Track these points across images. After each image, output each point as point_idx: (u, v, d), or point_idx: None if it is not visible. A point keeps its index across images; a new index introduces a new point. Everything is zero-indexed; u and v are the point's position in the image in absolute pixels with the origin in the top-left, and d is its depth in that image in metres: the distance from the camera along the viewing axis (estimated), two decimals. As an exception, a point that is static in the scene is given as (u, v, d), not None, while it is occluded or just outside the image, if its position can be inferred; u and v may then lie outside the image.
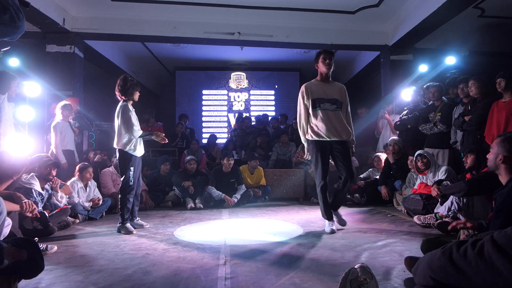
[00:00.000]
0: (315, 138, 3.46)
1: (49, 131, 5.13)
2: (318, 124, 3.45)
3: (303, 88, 3.56)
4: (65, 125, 5.10)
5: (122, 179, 3.70)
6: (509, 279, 1.12)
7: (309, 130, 3.50)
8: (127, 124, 3.62)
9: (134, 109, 3.77)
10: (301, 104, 3.55)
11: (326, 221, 3.54)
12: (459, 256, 1.29)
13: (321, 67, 3.52)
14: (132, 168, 3.69)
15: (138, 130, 3.71)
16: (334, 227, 3.47)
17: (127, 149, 3.65)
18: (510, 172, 2.13)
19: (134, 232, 3.62)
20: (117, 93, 3.73)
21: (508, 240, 1.17)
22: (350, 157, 3.53)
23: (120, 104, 3.72)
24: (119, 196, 3.75)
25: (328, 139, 3.43)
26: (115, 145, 3.71)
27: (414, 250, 2.71)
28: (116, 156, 4.02)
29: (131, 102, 3.76)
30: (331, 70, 3.52)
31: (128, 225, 3.65)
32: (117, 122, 3.67)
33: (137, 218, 3.90)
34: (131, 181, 3.67)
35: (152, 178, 5.83)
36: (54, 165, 3.83)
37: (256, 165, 5.95)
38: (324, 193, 3.48)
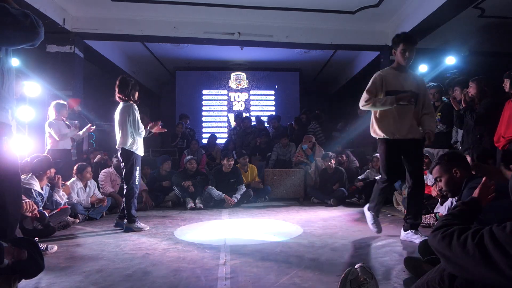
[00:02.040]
0: (387, 136, 3.07)
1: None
2: (390, 121, 3.05)
3: (378, 76, 3.10)
4: (60, 124, 5.04)
5: (127, 179, 3.67)
6: (509, 275, 1.12)
7: (381, 126, 3.10)
8: (134, 124, 3.63)
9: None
10: (371, 93, 3.08)
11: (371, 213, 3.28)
12: (459, 244, 1.28)
13: (399, 57, 3.06)
14: (138, 168, 3.71)
15: (143, 130, 3.74)
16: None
17: (134, 149, 3.67)
18: (465, 178, 2.11)
19: (147, 228, 3.70)
20: (117, 94, 3.70)
21: (506, 237, 1.17)
22: (420, 160, 3.23)
23: (124, 104, 3.69)
24: (125, 197, 3.71)
25: (399, 138, 3.04)
26: (119, 146, 3.69)
27: (413, 250, 2.71)
28: (116, 157, 4.01)
29: (131, 101, 3.75)
30: (410, 62, 3.08)
31: (139, 223, 3.71)
32: (121, 122, 3.65)
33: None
34: (137, 180, 3.70)
35: (152, 178, 5.83)
36: (51, 165, 3.83)
37: (246, 162, 5.98)
38: (383, 191, 3.22)
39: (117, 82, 3.70)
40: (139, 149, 3.75)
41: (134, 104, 3.72)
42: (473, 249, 1.23)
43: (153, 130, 3.90)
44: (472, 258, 1.22)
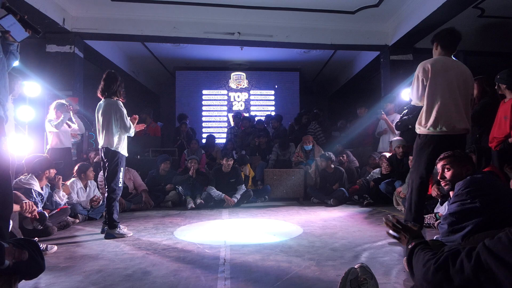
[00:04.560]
0: None
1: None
2: None
3: None
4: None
5: (110, 181, 3.45)
6: None
7: None
8: (122, 123, 3.44)
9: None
10: None
11: None
12: (456, 271, 1.23)
13: None
14: (122, 169, 3.51)
15: (132, 128, 3.54)
16: None
17: (119, 149, 3.46)
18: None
19: (130, 234, 3.48)
20: (102, 89, 3.46)
21: (504, 247, 1.13)
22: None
23: (108, 101, 3.46)
24: (106, 200, 3.47)
25: None
26: (104, 146, 3.46)
27: (414, 250, 2.71)
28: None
29: (115, 98, 3.51)
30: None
31: (122, 228, 3.48)
32: (107, 121, 3.42)
33: None
34: (120, 182, 3.48)
35: (151, 178, 5.83)
36: (51, 166, 3.82)
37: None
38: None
39: (104, 76, 3.46)
40: (124, 149, 3.55)
41: (119, 101, 3.49)
42: (472, 272, 1.17)
43: (136, 128, 3.68)
44: (474, 281, 1.16)
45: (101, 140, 3.50)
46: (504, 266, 1.10)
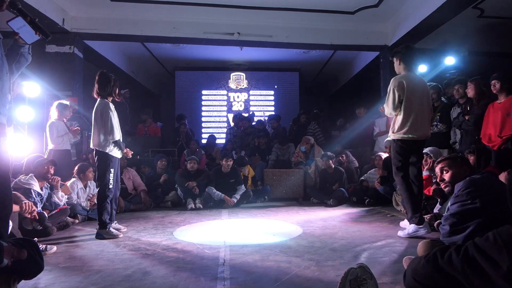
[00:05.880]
0: None
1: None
2: None
3: None
4: (61, 124, 5.04)
5: (99, 182, 3.47)
6: (499, 283, 1.14)
7: None
8: (106, 125, 3.39)
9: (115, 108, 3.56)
10: None
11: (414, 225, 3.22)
12: (444, 262, 1.30)
13: None
14: (112, 170, 3.46)
15: (116, 134, 3.46)
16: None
17: (107, 150, 3.42)
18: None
19: (120, 235, 3.44)
20: (97, 90, 3.45)
21: (490, 244, 1.19)
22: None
23: (99, 101, 3.45)
24: (97, 200, 3.49)
25: None
26: (93, 146, 3.47)
27: (413, 251, 2.71)
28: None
29: (110, 98, 3.50)
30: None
31: (111, 229, 3.44)
32: (94, 120, 3.45)
33: (115, 222, 3.66)
34: (110, 184, 3.45)
35: (149, 178, 5.83)
36: (51, 162, 3.82)
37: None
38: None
39: (97, 78, 3.44)
40: (115, 151, 3.49)
41: (110, 103, 3.47)
42: (460, 263, 1.25)
43: (125, 155, 3.65)
44: (461, 273, 1.24)
45: (91, 141, 3.51)
46: (488, 260, 1.18)
